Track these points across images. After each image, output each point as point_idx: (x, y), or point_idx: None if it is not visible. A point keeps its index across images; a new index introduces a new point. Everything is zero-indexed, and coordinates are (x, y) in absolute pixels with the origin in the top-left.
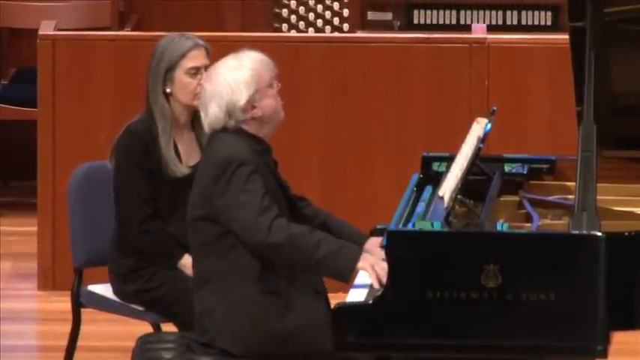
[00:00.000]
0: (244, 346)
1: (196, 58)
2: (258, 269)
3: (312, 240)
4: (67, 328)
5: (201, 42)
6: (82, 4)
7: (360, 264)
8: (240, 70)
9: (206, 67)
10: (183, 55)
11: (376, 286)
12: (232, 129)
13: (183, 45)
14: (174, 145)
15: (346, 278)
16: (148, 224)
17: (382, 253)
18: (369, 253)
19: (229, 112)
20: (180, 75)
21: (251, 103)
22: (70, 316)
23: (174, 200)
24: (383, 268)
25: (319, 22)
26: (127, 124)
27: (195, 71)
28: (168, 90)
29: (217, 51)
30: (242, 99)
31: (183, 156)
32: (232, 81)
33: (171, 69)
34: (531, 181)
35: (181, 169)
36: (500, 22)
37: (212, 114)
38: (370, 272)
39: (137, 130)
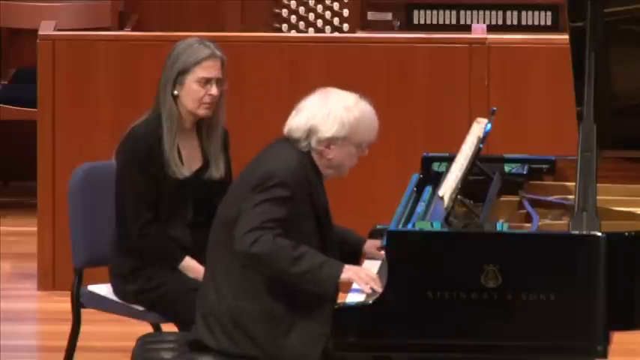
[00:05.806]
0: (242, 350)
1: (210, 69)
2: (259, 286)
3: (295, 254)
4: (67, 328)
5: (218, 53)
6: (82, 4)
7: (343, 275)
8: (347, 111)
9: (218, 80)
10: (197, 63)
11: (366, 290)
12: (302, 149)
13: (201, 53)
14: (177, 148)
15: (328, 291)
16: (149, 227)
17: (382, 255)
18: (368, 254)
19: (309, 133)
20: (190, 81)
21: (330, 142)
22: (70, 316)
23: (175, 203)
24: (367, 274)
25: (319, 22)
26: (131, 125)
27: (206, 81)
28: (176, 92)
29: None
30: (326, 133)
31: (185, 160)
32: (333, 113)
33: (183, 73)
34: (531, 181)
35: (182, 171)
36: (500, 22)
37: (298, 121)
38: (356, 279)
39: (141, 133)
